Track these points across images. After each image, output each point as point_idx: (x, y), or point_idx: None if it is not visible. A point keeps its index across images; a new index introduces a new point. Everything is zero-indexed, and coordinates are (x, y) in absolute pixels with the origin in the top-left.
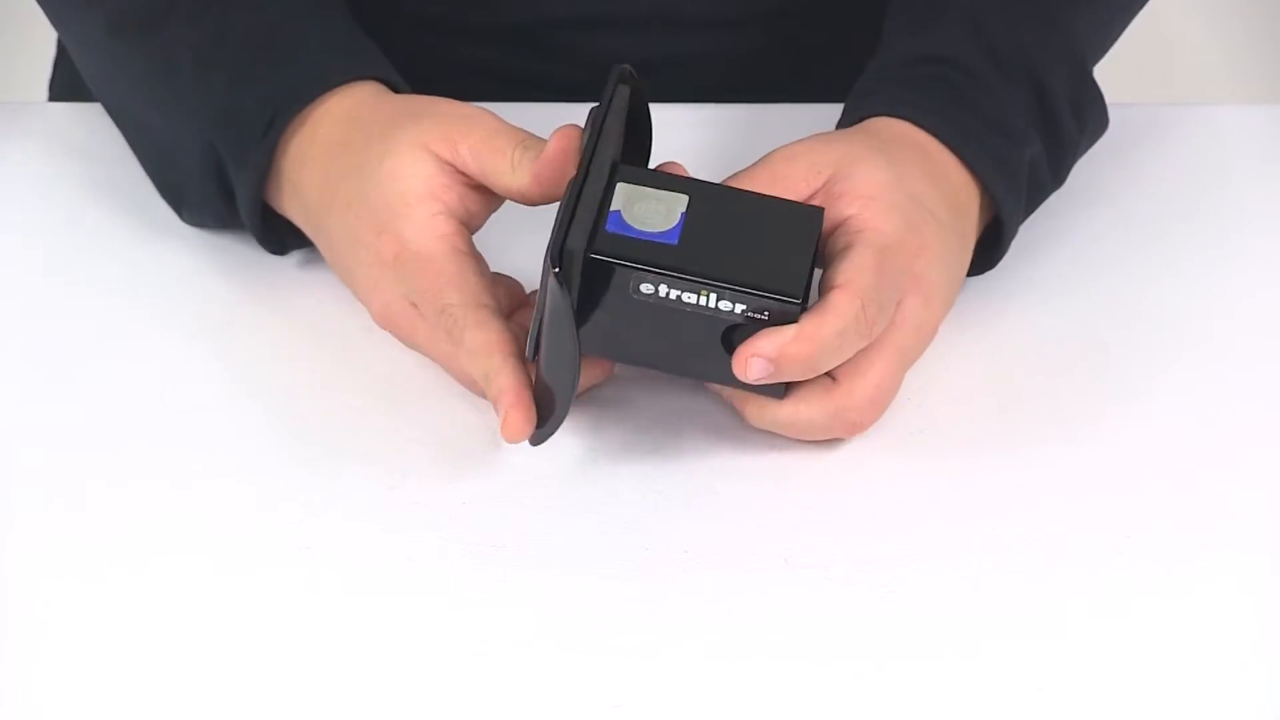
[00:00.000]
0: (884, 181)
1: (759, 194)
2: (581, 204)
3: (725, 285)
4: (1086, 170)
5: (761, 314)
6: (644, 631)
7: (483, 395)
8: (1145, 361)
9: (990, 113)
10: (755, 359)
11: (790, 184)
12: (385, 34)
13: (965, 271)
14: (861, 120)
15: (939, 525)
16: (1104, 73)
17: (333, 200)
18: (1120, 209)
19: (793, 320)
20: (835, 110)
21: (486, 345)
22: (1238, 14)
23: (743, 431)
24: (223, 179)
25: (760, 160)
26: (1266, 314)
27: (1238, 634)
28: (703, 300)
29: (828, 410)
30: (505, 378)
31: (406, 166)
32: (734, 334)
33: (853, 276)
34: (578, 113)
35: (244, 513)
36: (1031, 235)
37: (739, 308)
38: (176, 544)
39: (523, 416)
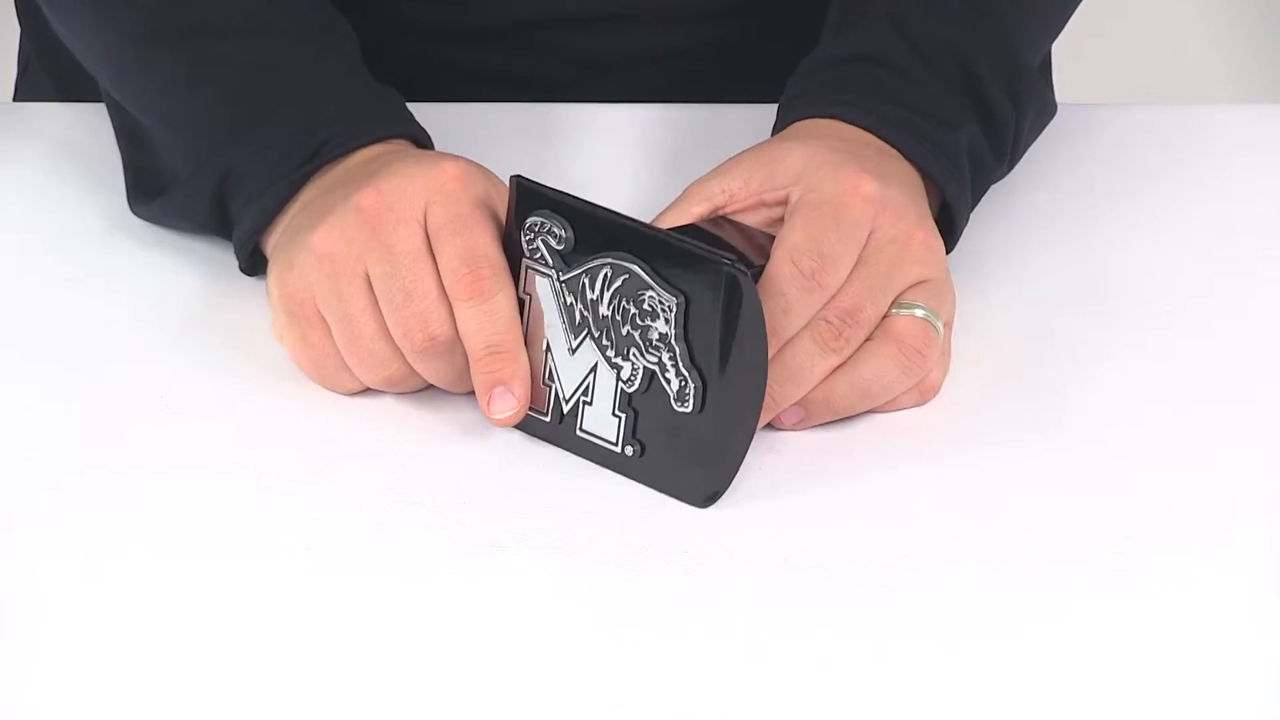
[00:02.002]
0: (803, 156)
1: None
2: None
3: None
4: (1085, 171)
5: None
6: (644, 631)
7: (381, 385)
8: (1145, 361)
9: (918, 102)
10: None
11: (731, 199)
12: (364, 37)
13: (927, 206)
14: (791, 123)
15: (939, 525)
16: (1104, 73)
17: (325, 193)
18: (1119, 209)
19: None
20: None
21: (511, 318)
22: (1238, 14)
23: None
24: (219, 192)
25: (678, 198)
26: (1267, 313)
27: (1239, 633)
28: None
29: (810, 313)
30: (522, 359)
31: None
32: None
33: (779, 242)
34: (559, 114)
35: (244, 512)
36: (1028, 236)
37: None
38: (176, 544)
39: (526, 400)
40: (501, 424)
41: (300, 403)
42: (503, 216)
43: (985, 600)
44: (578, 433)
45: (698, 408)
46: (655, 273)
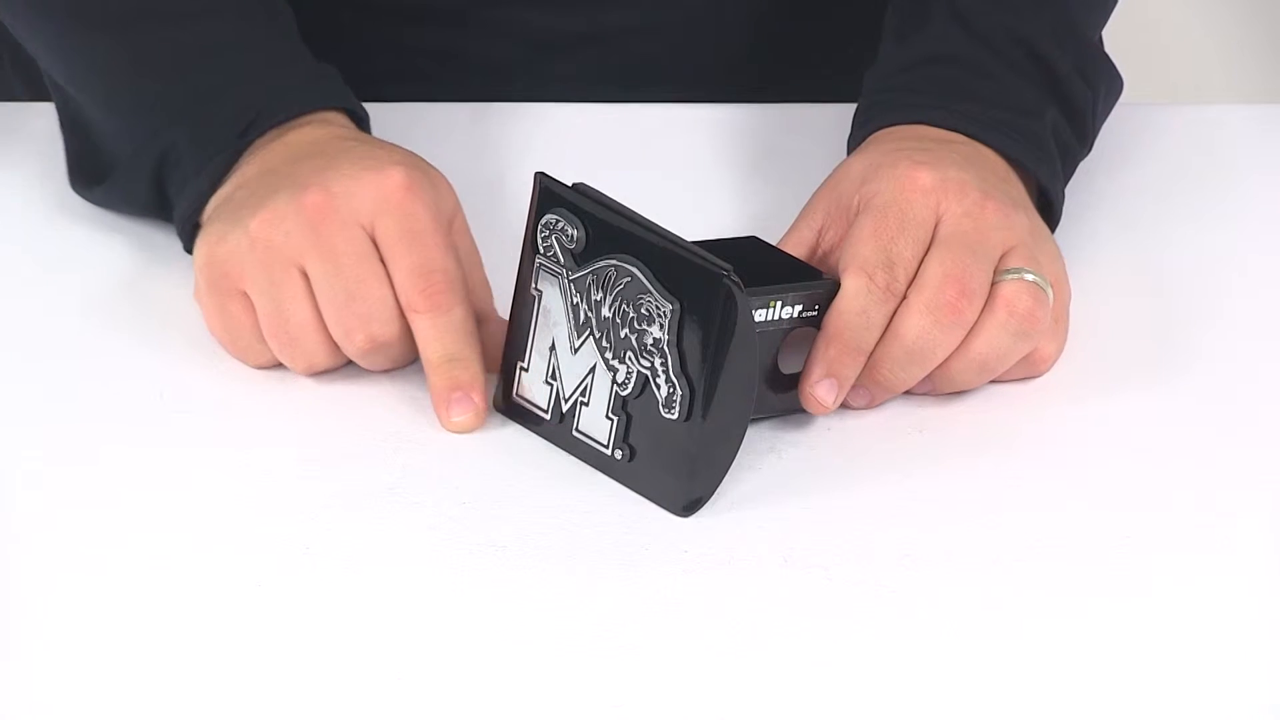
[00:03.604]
0: (862, 164)
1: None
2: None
3: (780, 291)
4: (1085, 170)
5: (813, 309)
6: (644, 631)
7: (305, 367)
8: (1144, 361)
9: (995, 95)
10: (818, 386)
11: (823, 235)
12: (319, 18)
13: (1001, 185)
14: (870, 135)
15: (939, 525)
16: None
17: (277, 169)
18: (1119, 209)
19: (834, 294)
20: (828, 110)
21: (469, 330)
22: (1237, 14)
23: None
24: (157, 174)
25: (790, 228)
26: (1267, 313)
27: (1239, 633)
28: (769, 315)
29: (889, 317)
30: (479, 367)
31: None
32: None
33: (851, 254)
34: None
35: (244, 512)
36: None
37: (796, 309)
38: (176, 544)
39: (483, 409)
40: (458, 429)
41: (300, 402)
42: (449, 220)
43: (985, 600)
44: (574, 433)
45: (683, 416)
46: (655, 277)
